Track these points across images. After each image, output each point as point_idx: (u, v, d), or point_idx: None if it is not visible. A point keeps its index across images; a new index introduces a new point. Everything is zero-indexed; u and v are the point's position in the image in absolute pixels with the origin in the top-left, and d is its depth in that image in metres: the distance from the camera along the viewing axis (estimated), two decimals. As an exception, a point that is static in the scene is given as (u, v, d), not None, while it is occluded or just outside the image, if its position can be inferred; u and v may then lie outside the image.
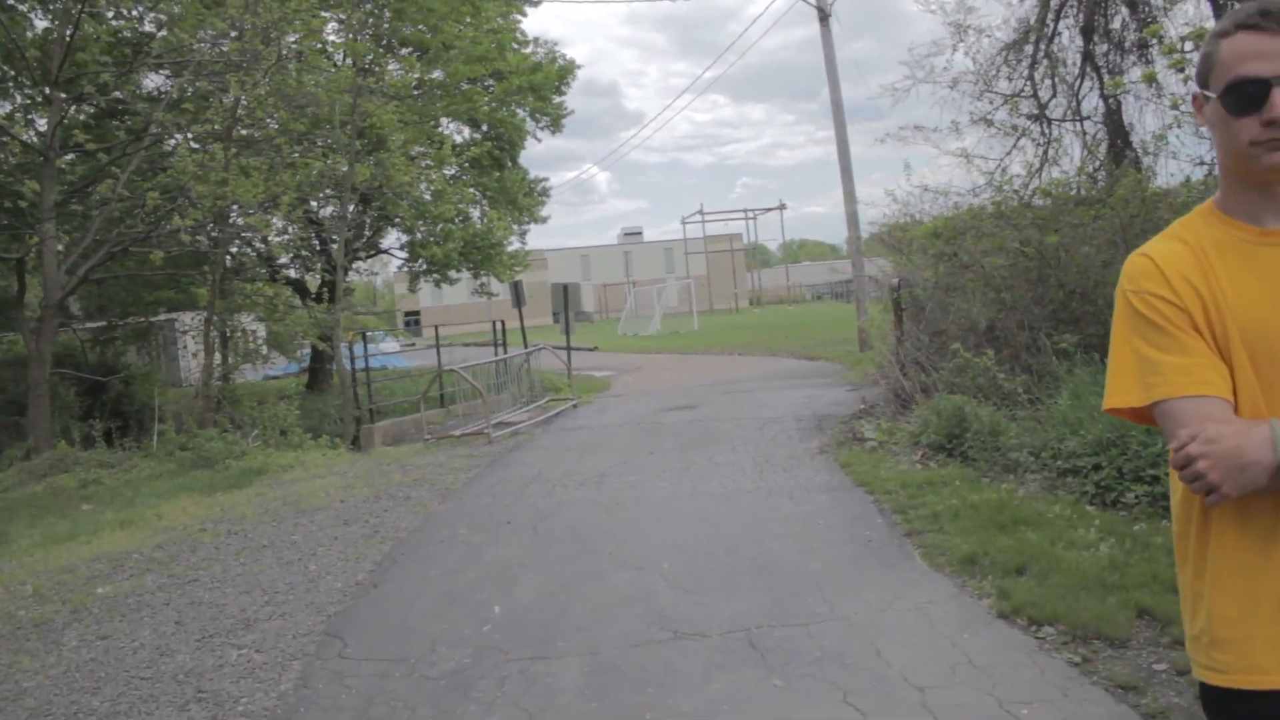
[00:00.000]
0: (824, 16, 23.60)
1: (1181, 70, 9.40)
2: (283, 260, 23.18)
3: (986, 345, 10.63)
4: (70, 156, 17.13)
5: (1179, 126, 10.76)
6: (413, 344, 42.14)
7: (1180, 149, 12.46)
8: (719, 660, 5.02)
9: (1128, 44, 14.33)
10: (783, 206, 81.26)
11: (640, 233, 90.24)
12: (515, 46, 24.76)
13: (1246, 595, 1.82)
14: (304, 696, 4.99)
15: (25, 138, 16.63)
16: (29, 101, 18.32)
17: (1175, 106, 9.66)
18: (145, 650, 5.89)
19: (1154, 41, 13.28)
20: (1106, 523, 6.67)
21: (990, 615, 5.35)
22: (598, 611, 5.97)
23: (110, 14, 17.93)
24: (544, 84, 24.68)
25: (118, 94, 17.41)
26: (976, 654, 4.80)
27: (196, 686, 5.22)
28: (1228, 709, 1.89)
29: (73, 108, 17.21)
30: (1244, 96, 1.77)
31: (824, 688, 4.57)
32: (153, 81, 19.11)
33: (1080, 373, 8.99)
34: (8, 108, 18.00)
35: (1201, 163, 11.08)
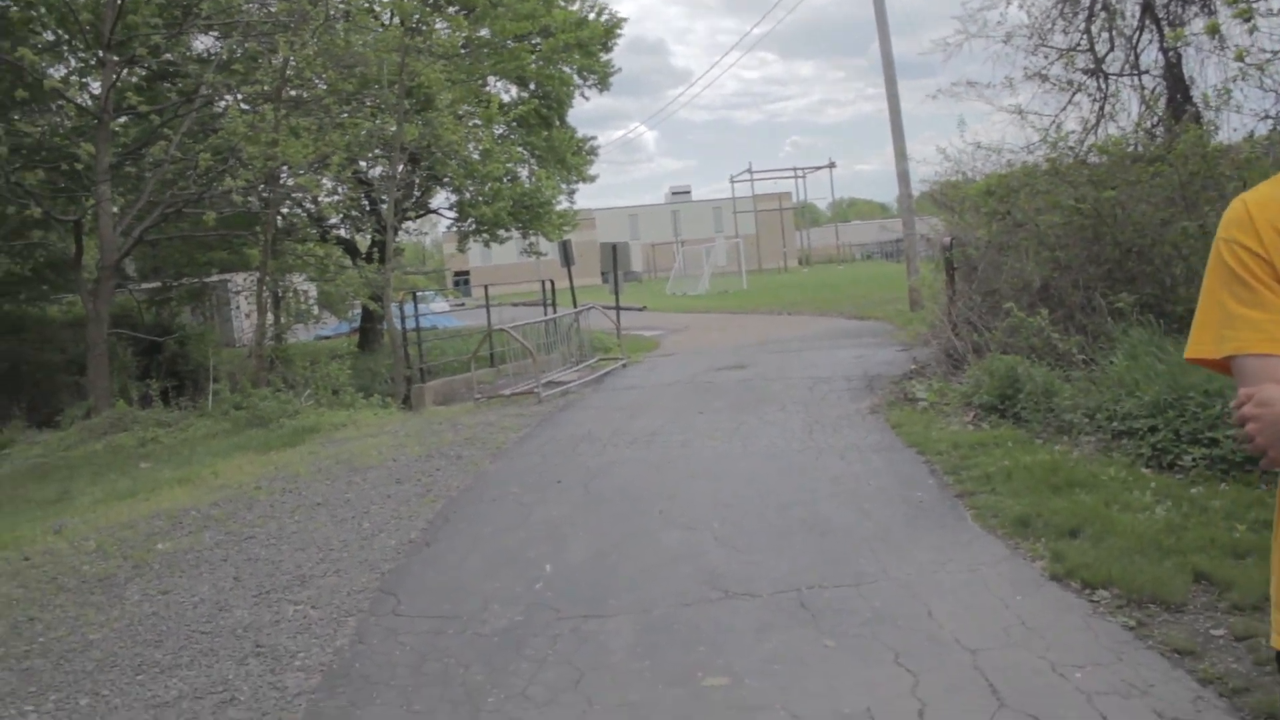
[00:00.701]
0: (875, -31, 23.22)
1: (1248, 19, 9.11)
2: (332, 220, 23.34)
3: (1040, 305, 10.48)
4: (123, 119, 17.29)
5: (1243, 79, 10.46)
6: (462, 303, 42.45)
7: (1244, 103, 12.10)
8: (770, 620, 5.02)
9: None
10: (832, 165, 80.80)
11: (688, 192, 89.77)
12: (561, 3, 24.62)
13: None
14: (359, 652, 5.07)
15: (79, 100, 16.81)
16: (82, 65, 18.53)
17: (1240, 58, 9.40)
18: (205, 605, 6.01)
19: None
20: (1162, 485, 6.59)
21: (1043, 578, 5.30)
22: (648, 570, 6.00)
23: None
24: (590, 40, 24.53)
25: (168, 56, 17.53)
26: (1029, 616, 4.76)
27: (255, 641, 5.32)
28: None
29: (125, 70, 17.37)
30: None
31: (876, 648, 4.56)
32: (202, 43, 19.24)
33: (1136, 333, 8.84)
34: (63, 71, 18.20)
35: (1266, 117, 10.79)
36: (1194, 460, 6.88)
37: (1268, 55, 10.41)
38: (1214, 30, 11.55)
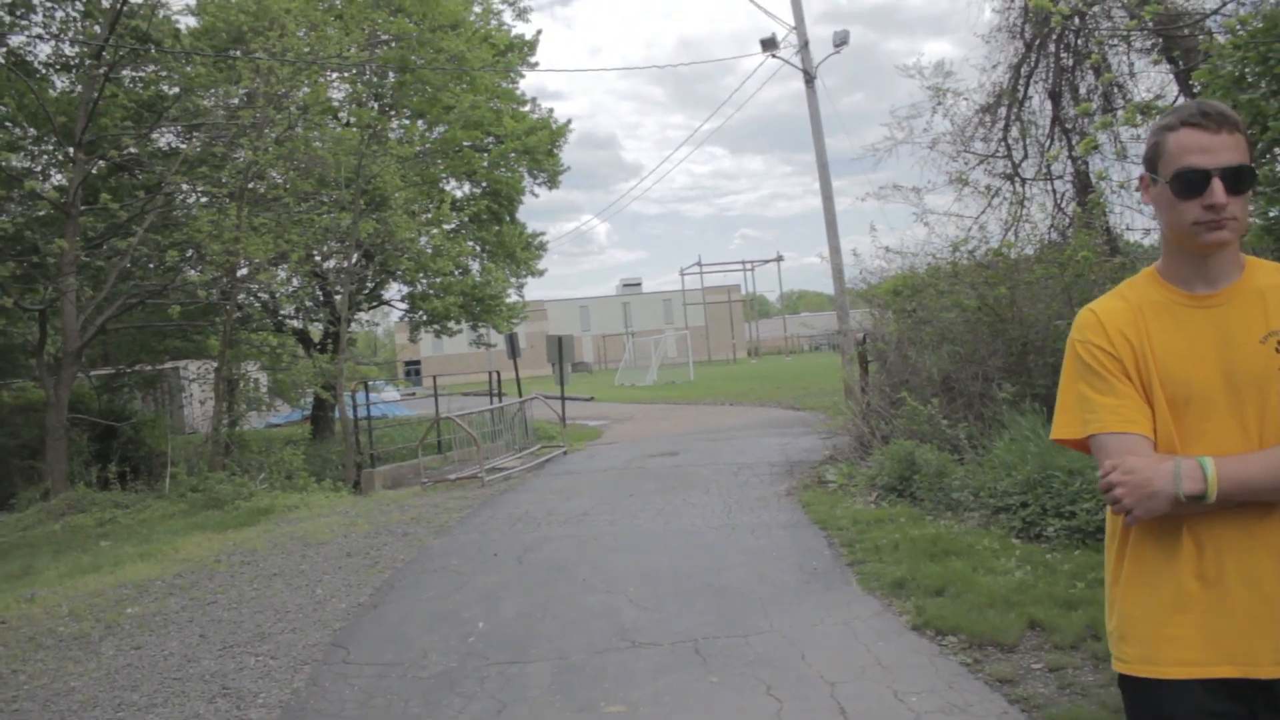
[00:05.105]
0: (809, 79, 24.66)
1: (1124, 158, 10.37)
2: (287, 311, 24.10)
3: (942, 395, 11.48)
4: (91, 215, 18.06)
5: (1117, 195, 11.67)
6: (413, 393, 43.02)
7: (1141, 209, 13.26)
8: (667, 663, 5.87)
9: (1094, 108, 15.29)
10: (780, 259, 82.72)
11: (639, 284, 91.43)
12: (513, 107, 25.87)
13: (1148, 600, 2.17)
14: (314, 692, 5.84)
15: (41, 190, 17.55)
16: (51, 160, 19.33)
17: (1101, 177, 10.56)
18: (174, 658, 6.75)
19: (1120, 105, 14.27)
20: (1026, 553, 7.54)
21: (905, 628, 6.21)
22: (568, 626, 6.84)
23: (130, 78, 18.96)
24: (537, 146, 25.76)
25: (133, 149, 18.34)
26: (886, 657, 5.65)
27: (221, 684, 6.07)
28: (1134, 693, 2.22)
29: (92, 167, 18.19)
30: (1188, 183, 2.11)
31: (751, 683, 5.42)
32: (165, 139, 20.08)
33: (1023, 421, 9.85)
34: (31, 165, 18.97)
35: (1129, 229, 11.97)
36: (1056, 531, 7.87)
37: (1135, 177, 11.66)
38: (1091, 148, 12.79)
